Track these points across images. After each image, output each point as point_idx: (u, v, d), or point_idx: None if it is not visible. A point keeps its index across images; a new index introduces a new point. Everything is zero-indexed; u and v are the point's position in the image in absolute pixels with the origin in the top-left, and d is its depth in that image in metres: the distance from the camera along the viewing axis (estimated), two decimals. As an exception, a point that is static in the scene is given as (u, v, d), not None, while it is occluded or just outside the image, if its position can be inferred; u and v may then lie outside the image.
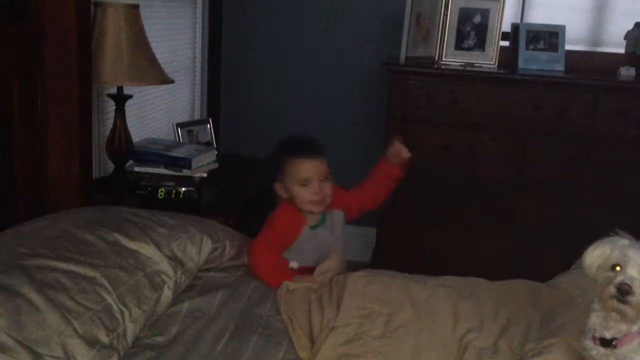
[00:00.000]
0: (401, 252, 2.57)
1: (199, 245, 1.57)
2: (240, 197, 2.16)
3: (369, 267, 2.48)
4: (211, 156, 2.27)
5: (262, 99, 3.02)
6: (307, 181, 1.74)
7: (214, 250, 1.62)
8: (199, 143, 2.45)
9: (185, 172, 2.12)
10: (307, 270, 1.70)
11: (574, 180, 2.45)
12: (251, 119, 3.03)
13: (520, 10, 2.87)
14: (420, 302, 1.52)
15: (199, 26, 2.79)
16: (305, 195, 1.74)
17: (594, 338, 1.19)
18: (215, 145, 2.54)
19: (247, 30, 2.98)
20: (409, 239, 2.57)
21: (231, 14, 2.96)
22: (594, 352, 1.20)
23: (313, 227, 1.79)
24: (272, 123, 3.00)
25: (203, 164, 2.20)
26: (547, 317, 1.47)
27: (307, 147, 1.79)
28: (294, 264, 1.75)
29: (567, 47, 2.66)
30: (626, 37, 2.66)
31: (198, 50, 2.81)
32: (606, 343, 1.17)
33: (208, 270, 1.62)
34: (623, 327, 1.15)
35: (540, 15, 2.82)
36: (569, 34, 2.70)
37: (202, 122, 2.60)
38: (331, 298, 1.53)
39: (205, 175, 2.17)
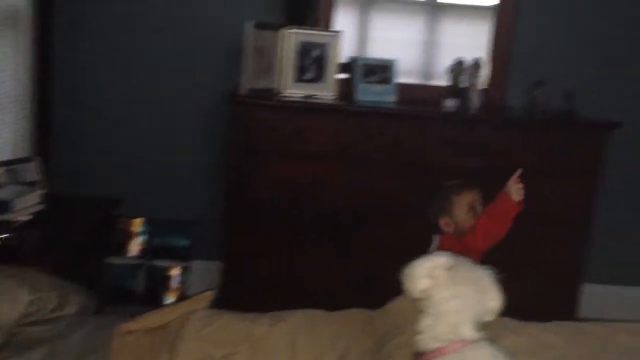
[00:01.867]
0: (248, 285, 2.54)
1: (12, 299, 1.43)
2: (68, 241, 2.01)
3: (215, 303, 2.43)
4: (36, 197, 2.10)
5: (99, 134, 2.87)
6: (473, 207, 2.02)
7: (33, 302, 1.49)
8: (22, 183, 2.25)
9: (5, 216, 1.94)
10: None
11: (408, 207, 2.57)
12: (86, 156, 2.85)
13: (359, 44, 3.01)
14: (259, 339, 1.51)
15: (24, 56, 2.59)
16: (473, 221, 2.00)
17: None
18: (42, 185, 2.35)
19: (82, 62, 2.82)
20: (256, 272, 2.55)
21: (63, 43, 2.78)
22: None
23: None
24: (109, 160, 2.86)
25: (26, 206, 2.02)
26: (379, 344, 1.52)
27: (467, 182, 2.10)
28: None
29: (401, 79, 2.83)
30: (449, 70, 2.88)
31: (23, 82, 2.60)
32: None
33: (27, 324, 1.48)
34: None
35: (378, 49, 2.97)
36: (405, 67, 2.87)
37: (27, 160, 2.39)
38: (165, 343, 1.47)
39: (28, 218, 2.00)
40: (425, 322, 1.23)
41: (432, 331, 1.21)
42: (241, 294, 2.53)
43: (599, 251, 2.88)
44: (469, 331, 1.20)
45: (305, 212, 2.57)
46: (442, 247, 2.03)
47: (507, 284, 1.30)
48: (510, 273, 2.65)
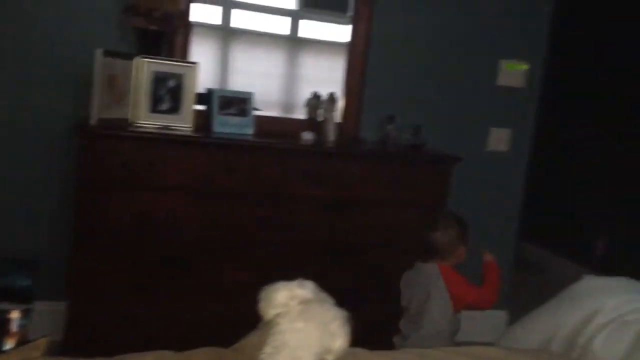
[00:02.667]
0: (98, 326, 2.40)
1: None
2: None
3: (60, 346, 2.28)
4: None
5: None
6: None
7: None
8: None
9: None
10: None
11: (268, 238, 2.58)
12: None
13: (220, 76, 3.00)
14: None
15: None
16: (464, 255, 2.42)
17: None
18: None
19: None
20: (105, 312, 2.41)
21: None
22: None
23: None
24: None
25: None
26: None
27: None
28: None
29: (263, 112, 2.85)
30: (306, 104, 2.96)
31: None
32: None
33: None
34: None
35: (239, 82, 2.97)
36: (266, 100, 2.90)
37: None
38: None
39: None
40: (267, 350, 1.22)
41: (272, 359, 1.21)
42: (89, 337, 2.37)
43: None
44: (307, 365, 1.21)
45: (160, 247, 2.49)
46: (450, 278, 2.35)
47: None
48: (362, 303, 2.76)
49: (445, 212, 2.53)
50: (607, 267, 3.74)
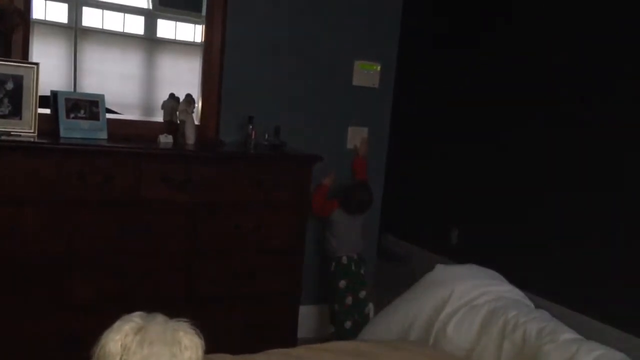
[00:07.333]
0: None
1: None
2: None
3: None
4: None
5: None
6: None
7: None
8: None
9: None
10: None
11: (126, 247, 2.46)
12: None
13: (70, 77, 2.81)
14: None
15: None
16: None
17: None
18: None
19: None
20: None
21: None
22: None
23: None
24: None
25: None
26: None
27: None
28: None
29: (120, 115, 2.70)
30: (163, 106, 2.85)
31: None
32: None
33: None
34: None
35: (94, 84, 2.80)
36: (124, 102, 2.75)
37: None
38: None
39: None
40: None
41: None
42: None
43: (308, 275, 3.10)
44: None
45: (4, 264, 2.28)
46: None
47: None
48: (231, 307, 2.72)
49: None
50: (461, 256, 4.00)
